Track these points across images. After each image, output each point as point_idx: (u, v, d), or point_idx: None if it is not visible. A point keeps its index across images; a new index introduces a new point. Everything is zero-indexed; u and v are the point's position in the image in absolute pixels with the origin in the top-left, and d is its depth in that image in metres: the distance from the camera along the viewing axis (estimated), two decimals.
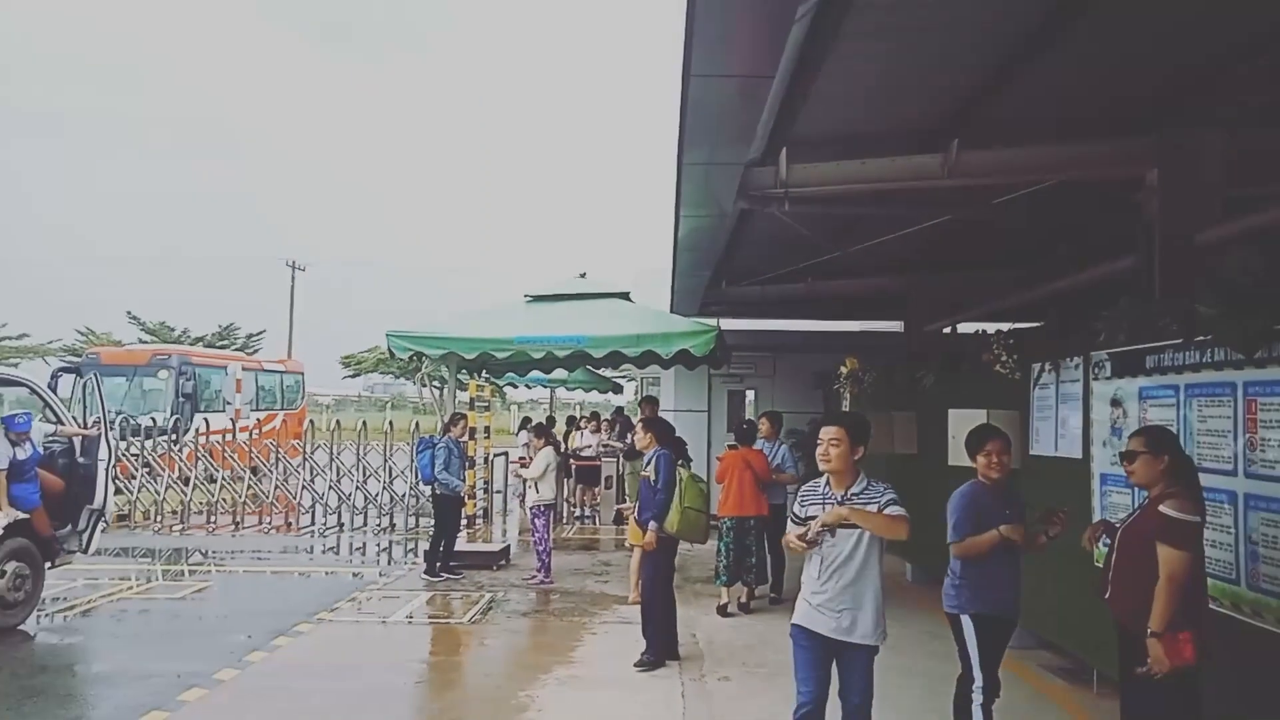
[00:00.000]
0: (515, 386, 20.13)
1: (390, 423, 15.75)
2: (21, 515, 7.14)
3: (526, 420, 19.32)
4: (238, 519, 13.83)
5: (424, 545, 11.47)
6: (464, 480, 9.64)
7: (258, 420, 20.08)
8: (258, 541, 12.25)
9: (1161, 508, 3.68)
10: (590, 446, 14.39)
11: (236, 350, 38.97)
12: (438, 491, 9.39)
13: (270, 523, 13.73)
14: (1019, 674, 5.93)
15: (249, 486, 14.57)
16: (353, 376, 61.59)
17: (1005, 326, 9.44)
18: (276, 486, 14.54)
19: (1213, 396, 4.37)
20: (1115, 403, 5.32)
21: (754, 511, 7.92)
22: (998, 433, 4.44)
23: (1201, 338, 4.38)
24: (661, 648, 6.33)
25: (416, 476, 14.55)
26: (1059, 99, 6.00)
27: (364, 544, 12.16)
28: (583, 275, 10.53)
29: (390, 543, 12.39)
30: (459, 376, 10.95)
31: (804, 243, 9.28)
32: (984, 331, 7.81)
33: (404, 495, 14.53)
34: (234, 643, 6.84)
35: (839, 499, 3.78)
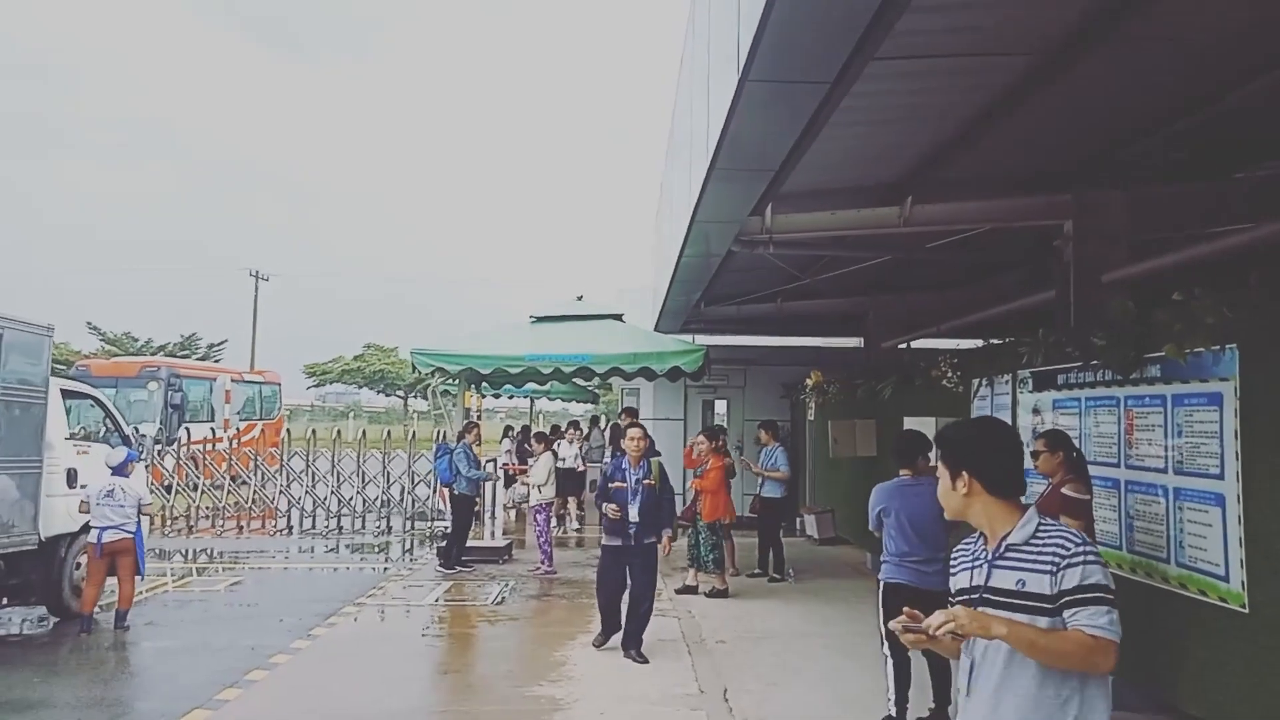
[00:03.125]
0: (498, 396, 21.23)
1: (389, 432, 16.70)
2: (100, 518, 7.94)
3: (509, 429, 20.39)
4: (241, 523, 14.73)
5: (421, 545, 12.60)
6: (480, 476, 10.82)
7: (262, 428, 20.88)
8: (265, 543, 13.16)
9: (1063, 490, 5.01)
10: (569, 458, 14.99)
11: (198, 360, 39.47)
12: (455, 492, 10.48)
13: (275, 525, 14.64)
14: None
15: (253, 492, 15.44)
16: (316, 386, 62.22)
17: (951, 344, 10.88)
18: (280, 492, 15.43)
19: (1103, 407, 5.72)
20: (1035, 411, 6.66)
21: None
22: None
23: (1095, 362, 5.72)
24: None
25: (412, 481, 15.67)
26: (995, 163, 7.32)
27: (364, 544, 13.12)
28: (580, 298, 11.75)
29: (389, 543, 13.38)
30: (448, 387, 12.06)
31: (777, 270, 10.59)
32: (935, 350, 9.18)
33: (400, 499, 15.55)
34: (291, 623, 7.87)
35: (988, 559, 2.31)
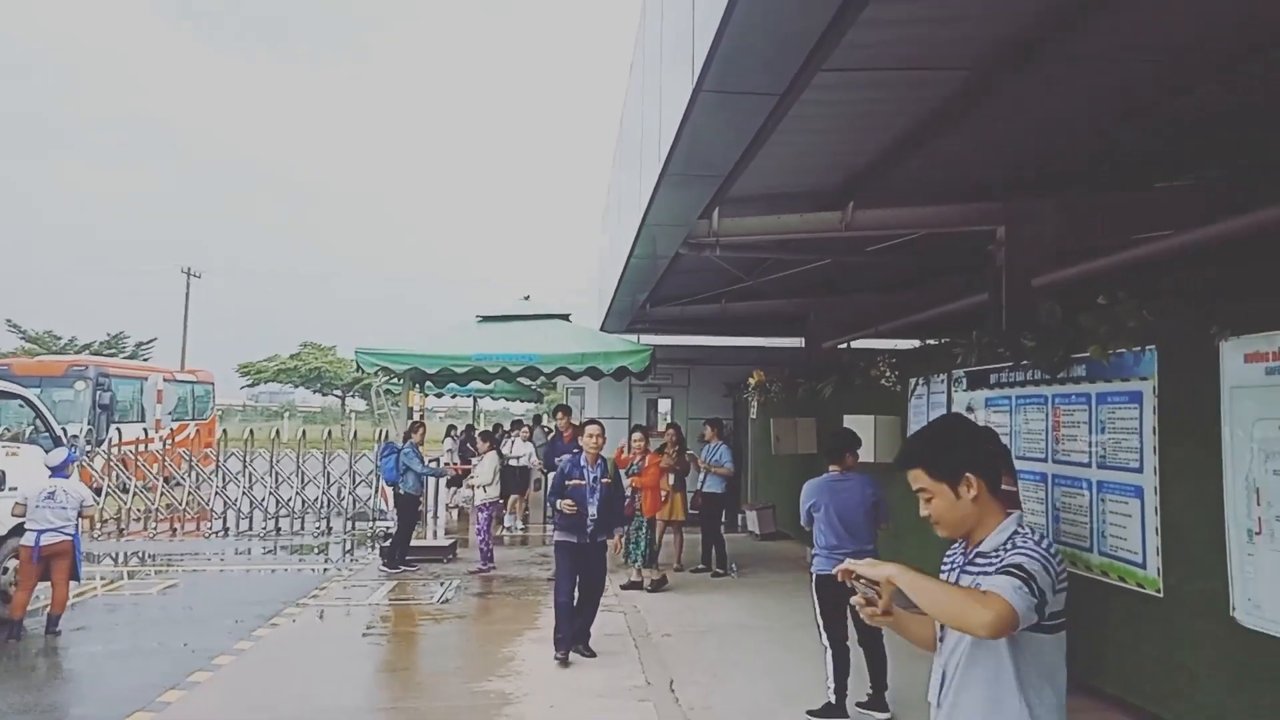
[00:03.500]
0: (439, 395, 21.08)
1: (329, 432, 16.47)
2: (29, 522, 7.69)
3: (451, 428, 20.26)
4: (175, 525, 14.35)
5: (362, 546, 12.49)
6: (433, 471, 10.82)
7: (196, 429, 20.33)
8: (200, 545, 12.81)
9: None
10: (523, 456, 14.60)
11: (126, 359, 38.26)
12: (400, 492, 10.42)
13: (210, 527, 14.30)
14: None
15: (188, 493, 15.07)
16: (250, 385, 60.70)
17: (889, 345, 11.21)
18: (216, 493, 15.10)
19: (1033, 405, 6.01)
20: (969, 409, 6.94)
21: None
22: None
23: (1025, 362, 6.01)
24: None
25: (353, 481, 15.48)
26: (933, 171, 7.59)
27: (303, 545, 12.90)
28: (526, 298, 11.78)
29: (328, 544, 13.19)
30: (391, 386, 11.99)
31: (722, 272, 10.78)
32: (874, 350, 9.47)
33: (340, 499, 15.35)
34: (232, 625, 7.74)
35: (960, 564, 2.24)
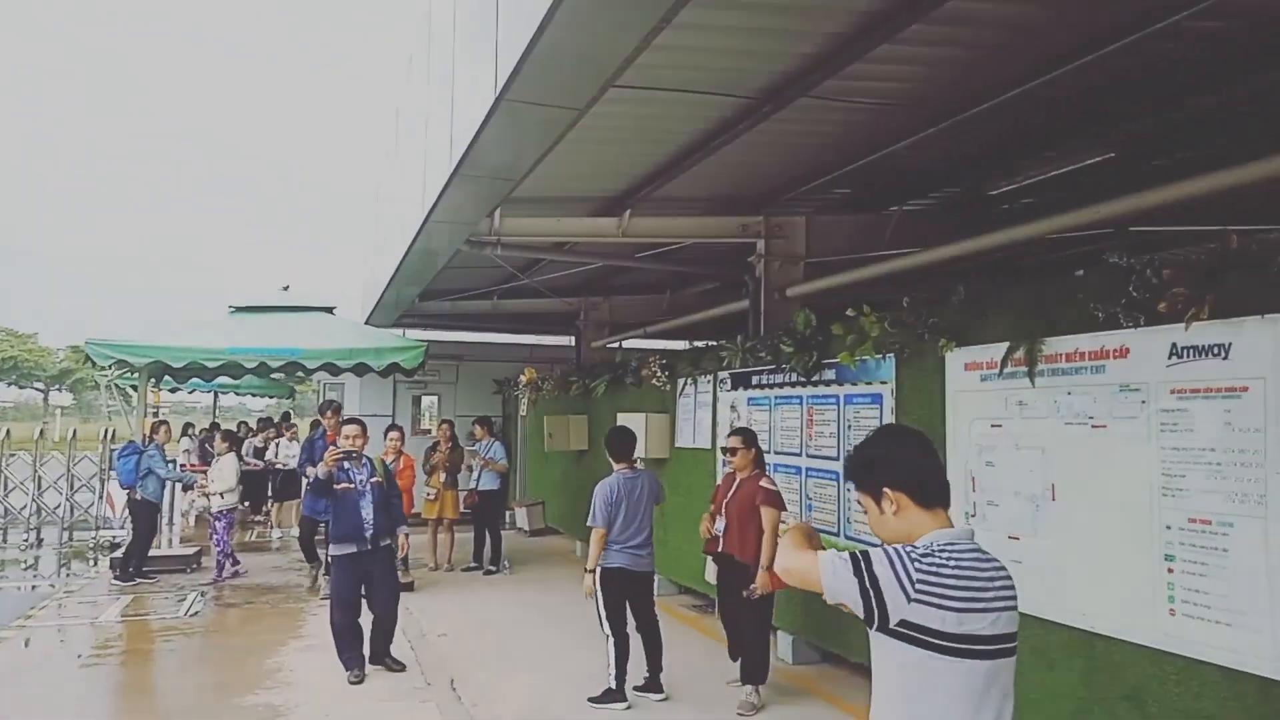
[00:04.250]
0: (174, 391, 19.25)
1: (41, 431, 14.43)
2: None
3: (189, 426, 18.53)
4: None
5: (83, 559, 11.22)
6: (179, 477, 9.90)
7: None
8: None
9: (761, 483, 5.69)
10: (288, 460, 13.20)
11: None
12: (138, 497, 9.44)
13: None
14: (668, 612, 7.94)
15: None
16: None
17: (659, 345, 11.78)
18: None
19: (789, 404, 6.65)
20: (732, 408, 7.53)
21: None
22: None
23: (784, 365, 6.63)
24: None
25: (71, 486, 13.75)
26: (700, 187, 8.14)
27: (6, 560, 11.34)
28: (286, 288, 11.06)
29: (39, 557, 11.69)
30: (121, 380, 10.92)
31: (497, 269, 10.81)
32: (646, 350, 9.93)
33: (56, 507, 13.58)
34: None
35: None
